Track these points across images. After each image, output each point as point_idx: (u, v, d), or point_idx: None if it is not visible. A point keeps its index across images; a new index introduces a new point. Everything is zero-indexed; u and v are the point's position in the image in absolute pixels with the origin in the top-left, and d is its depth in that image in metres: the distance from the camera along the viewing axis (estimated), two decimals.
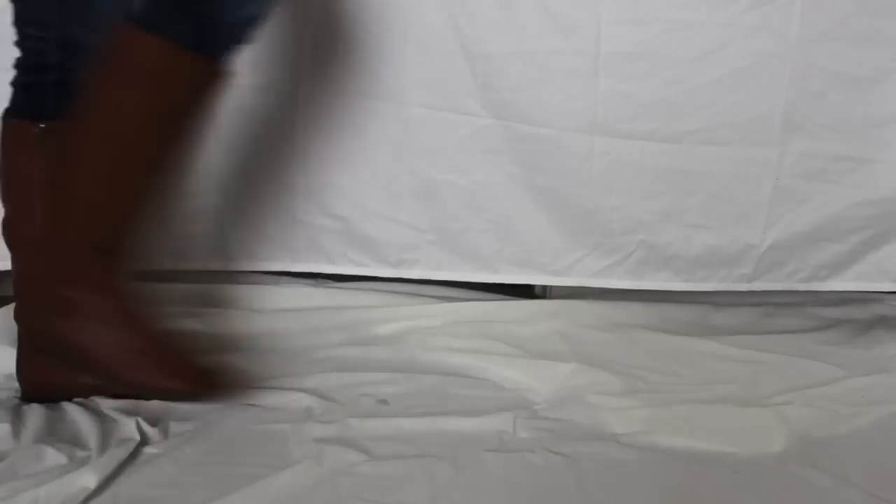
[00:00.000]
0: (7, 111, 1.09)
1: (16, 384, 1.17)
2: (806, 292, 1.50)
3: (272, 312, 1.41)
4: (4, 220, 1.11)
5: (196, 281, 1.43)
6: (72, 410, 1.10)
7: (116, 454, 0.99)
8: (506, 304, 1.46)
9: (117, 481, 0.95)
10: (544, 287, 1.54)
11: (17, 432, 1.04)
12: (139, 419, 1.08)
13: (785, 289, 1.49)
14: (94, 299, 1.07)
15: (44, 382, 1.11)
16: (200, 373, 1.12)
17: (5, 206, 1.10)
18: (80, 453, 1.01)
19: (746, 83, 1.36)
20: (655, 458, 1.03)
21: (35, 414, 1.08)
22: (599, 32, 1.34)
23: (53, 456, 1.00)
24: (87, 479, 0.94)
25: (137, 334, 1.08)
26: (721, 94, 1.36)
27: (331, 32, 1.34)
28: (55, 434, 1.05)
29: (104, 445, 1.02)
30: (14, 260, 1.11)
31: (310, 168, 1.41)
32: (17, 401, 1.13)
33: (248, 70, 1.23)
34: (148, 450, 1.02)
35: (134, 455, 1.00)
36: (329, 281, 1.48)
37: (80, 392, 1.12)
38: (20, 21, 1.07)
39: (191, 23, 0.99)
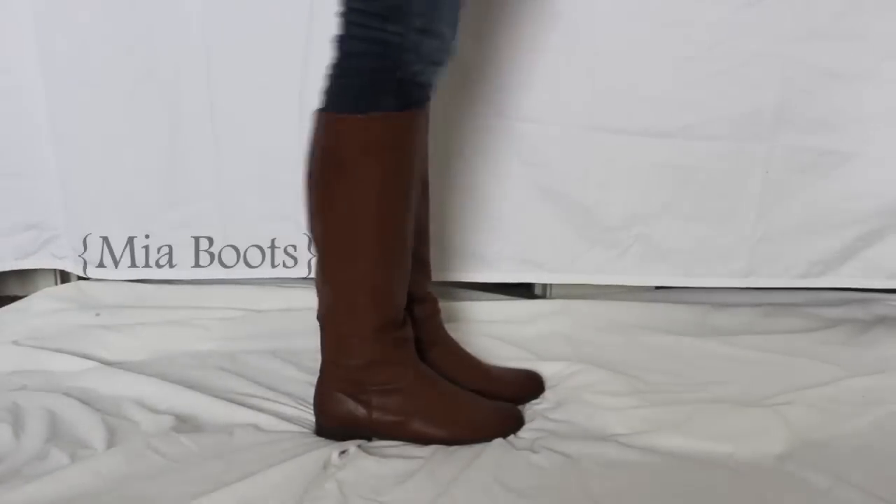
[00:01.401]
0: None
1: (15, 382, 1.17)
2: (805, 292, 1.51)
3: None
4: None
5: None
6: (75, 409, 1.10)
7: (120, 453, 1.00)
8: (506, 303, 1.46)
9: (120, 480, 0.96)
10: (544, 287, 1.55)
11: (18, 432, 1.05)
12: (145, 418, 1.09)
13: (781, 285, 1.50)
14: None
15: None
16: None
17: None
18: (83, 452, 1.01)
19: (738, 80, 1.37)
20: (655, 458, 1.03)
21: (37, 414, 1.08)
22: (596, 30, 1.35)
23: (56, 455, 1.00)
24: (90, 478, 0.95)
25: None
26: (713, 90, 1.38)
27: None
28: (58, 434, 1.06)
29: (108, 444, 1.03)
30: None
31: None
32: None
33: None
34: (150, 448, 1.02)
35: (137, 454, 1.00)
36: None
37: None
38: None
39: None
